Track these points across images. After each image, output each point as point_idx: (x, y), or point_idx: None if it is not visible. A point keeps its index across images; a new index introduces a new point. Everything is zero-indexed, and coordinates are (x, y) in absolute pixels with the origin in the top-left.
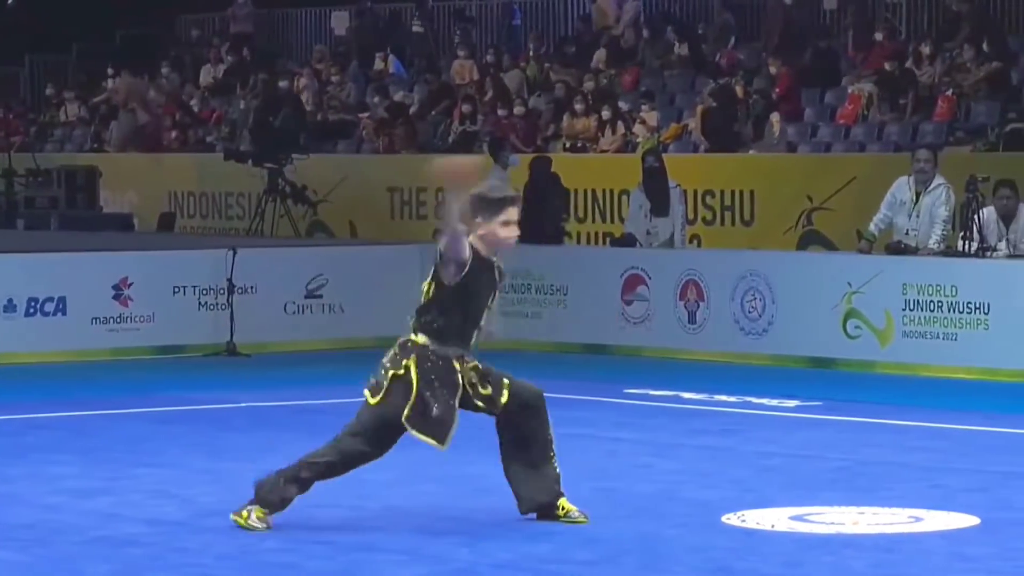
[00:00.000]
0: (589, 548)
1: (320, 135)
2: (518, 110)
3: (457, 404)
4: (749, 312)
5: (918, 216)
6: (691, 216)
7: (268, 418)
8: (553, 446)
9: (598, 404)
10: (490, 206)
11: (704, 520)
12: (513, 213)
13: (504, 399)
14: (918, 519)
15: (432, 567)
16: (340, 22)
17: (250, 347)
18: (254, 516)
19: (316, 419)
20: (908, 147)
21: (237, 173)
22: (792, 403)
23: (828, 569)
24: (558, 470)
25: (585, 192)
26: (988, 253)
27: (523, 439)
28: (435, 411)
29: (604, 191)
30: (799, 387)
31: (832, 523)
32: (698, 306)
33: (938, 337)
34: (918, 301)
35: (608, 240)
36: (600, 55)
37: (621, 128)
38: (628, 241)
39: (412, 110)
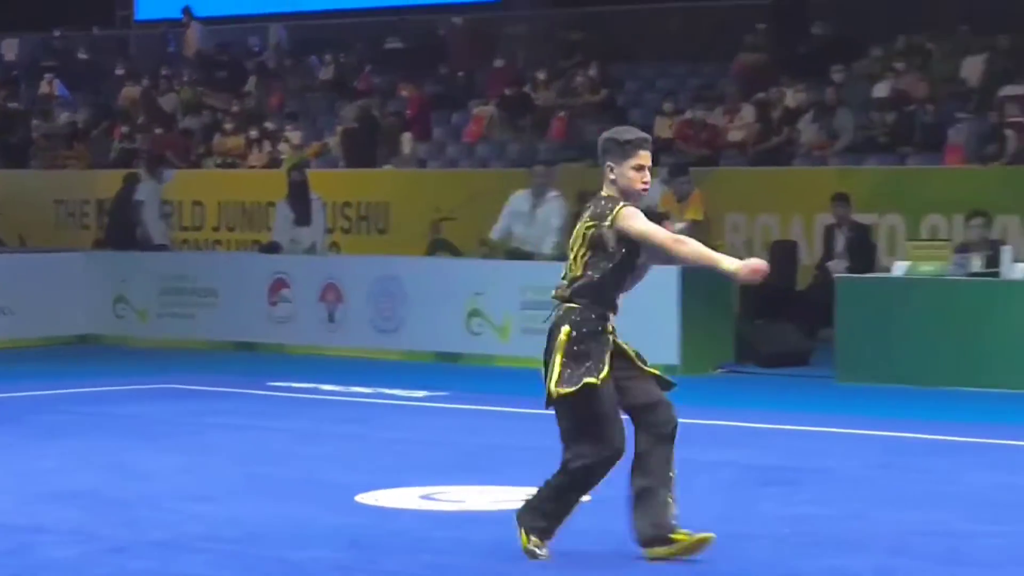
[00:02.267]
0: (238, 527)
1: None
2: (174, 129)
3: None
4: (383, 312)
5: (535, 225)
6: (331, 225)
7: None
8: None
9: (245, 396)
10: (621, 148)
11: (342, 500)
12: (646, 157)
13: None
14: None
15: (92, 545)
16: (10, 48)
17: None
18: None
19: None
20: (526, 163)
21: None
22: (421, 393)
23: (453, 543)
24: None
25: (235, 204)
26: None
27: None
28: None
29: (253, 203)
30: (428, 379)
31: (457, 501)
32: (337, 307)
33: None
34: (535, 301)
35: (256, 247)
36: (251, 80)
37: (268, 146)
38: (274, 248)
39: (78, 128)
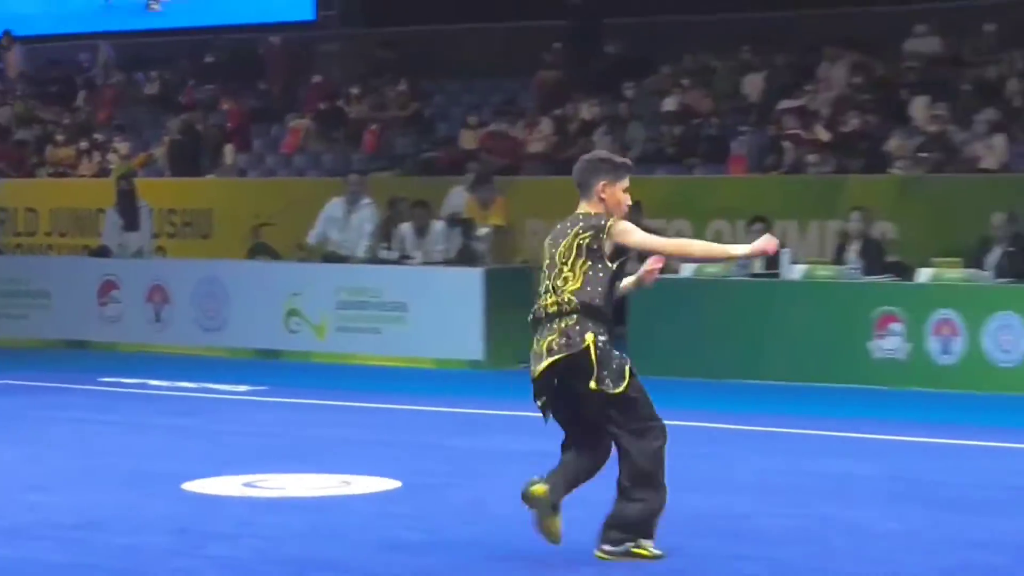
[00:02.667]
0: (76, 514)
1: None
2: (8, 141)
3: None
4: (207, 312)
5: (349, 230)
6: (157, 231)
7: None
8: None
9: (78, 391)
10: (616, 170)
11: (170, 489)
12: (627, 181)
13: None
14: (348, 483)
15: None
16: None
17: None
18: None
19: None
20: (340, 173)
21: None
22: (243, 388)
23: (273, 527)
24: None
25: (67, 211)
26: (406, 261)
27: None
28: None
29: (83, 210)
30: (249, 375)
31: (277, 488)
32: (163, 307)
33: (365, 331)
34: (349, 301)
35: (87, 251)
36: (80, 94)
37: (98, 156)
38: (104, 252)
39: None
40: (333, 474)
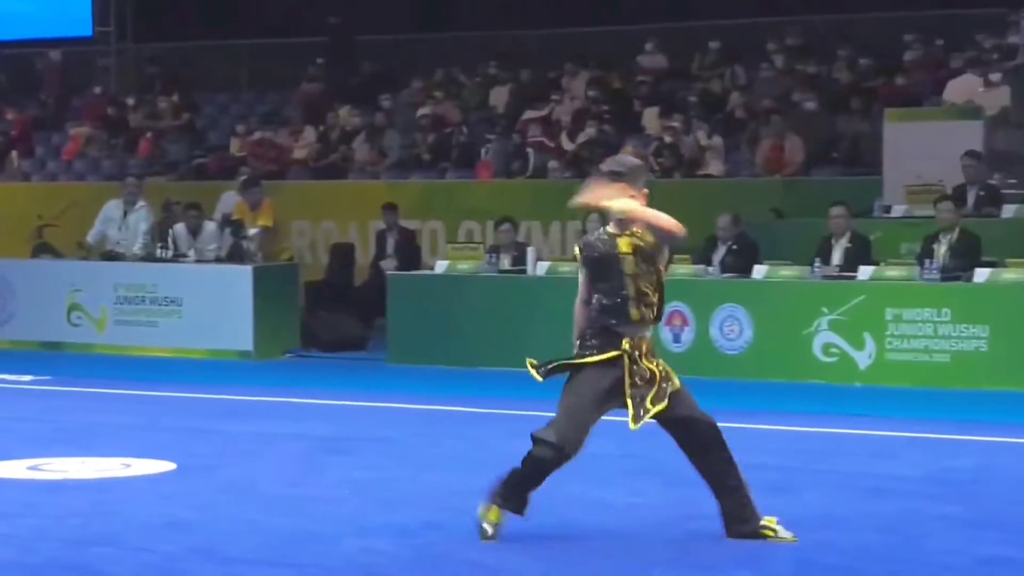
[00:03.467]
0: None
1: None
2: None
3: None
4: None
5: (126, 230)
6: None
7: None
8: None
9: None
10: (642, 174)
11: None
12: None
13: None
14: (128, 466)
15: None
16: None
17: None
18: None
19: None
20: (118, 177)
21: None
22: (28, 378)
23: (54, 507)
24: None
25: None
26: (180, 259)
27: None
28: None
29: None
30: (33, 366)
31: (60, 471)
32: None
33: (143, 324)
34: (127, 296)
35: None
36: None
37: None
38: None
39: None
40: (113, 457)
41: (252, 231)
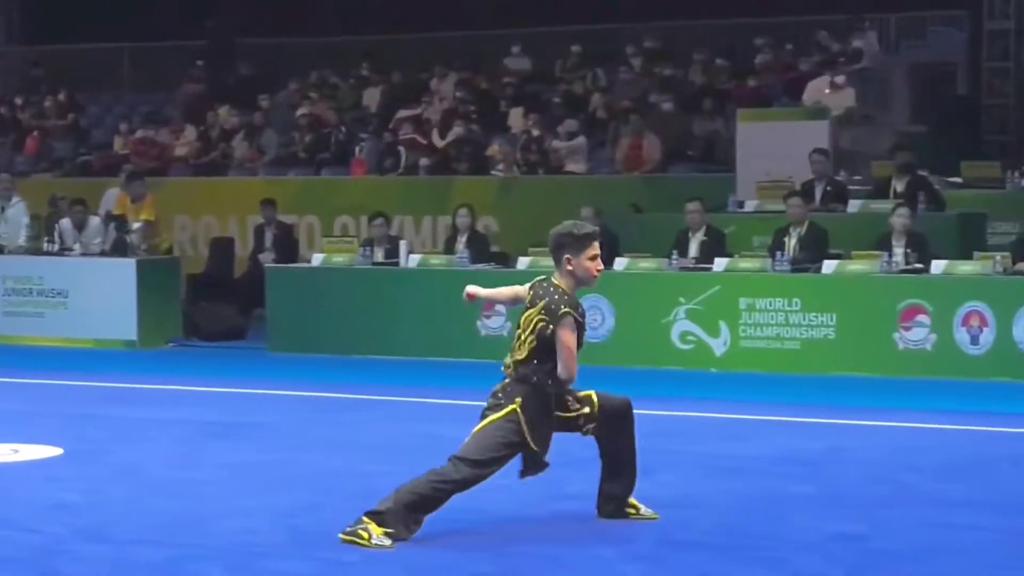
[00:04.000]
0: None
1: None
2: None
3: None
4: None
5: (6, 224)
6: None
7: None
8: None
9: None
10: (579, 241)
11: None
12: (597, 247)
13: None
14: (16, 451)
15: None
16: None
17: None
18: None
19: None
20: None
21: None
22: None
23: None
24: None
25: None
26: (66, 253)
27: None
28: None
29: None
30: None
31: None
32: None
33: (30, 315)
34: (15, 288)
35: None
36: None
37: None
38: None
39: None
40: (2, 443)
41: (135, 225)
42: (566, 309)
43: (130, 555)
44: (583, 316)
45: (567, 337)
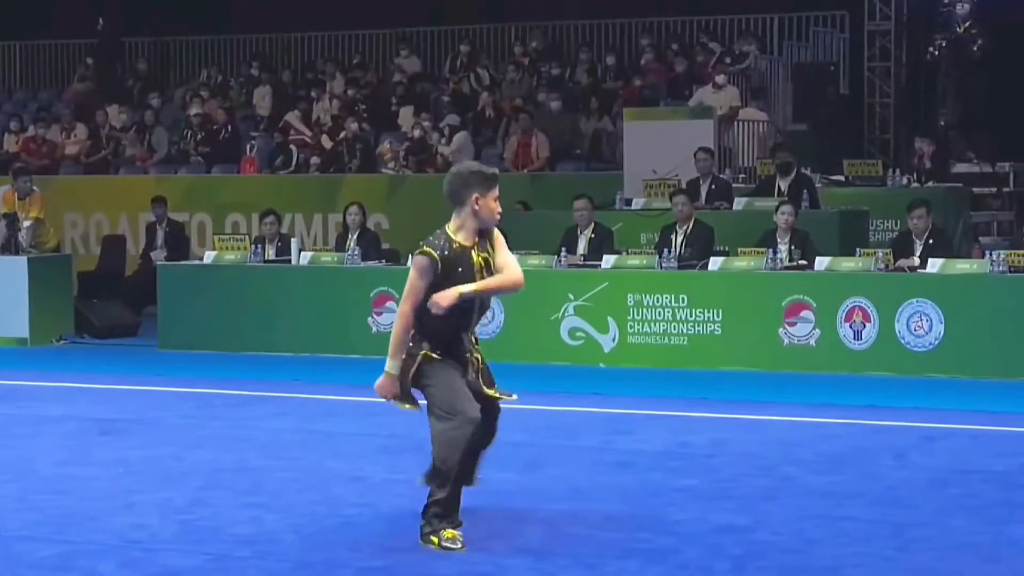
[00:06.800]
0: None
1: None
2: None
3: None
4: None
5: None
6: None
7: None
8: None
9: None
10: (487, 181)
11: None
12: (497, 190)
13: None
14: None
15: None
16: None
17: None
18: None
19: None
20: None
21: None
22: None
23: None
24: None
25: None
26: None
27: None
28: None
29: None
30: None
31: None
32: None
33: None
34: None
35: None
36: None
37: None
38: None
39: None
40: None
41: (25, 224)
42: (422, 247)
43: (22, 552)
44: (455, 253)
45: (411, 275)
